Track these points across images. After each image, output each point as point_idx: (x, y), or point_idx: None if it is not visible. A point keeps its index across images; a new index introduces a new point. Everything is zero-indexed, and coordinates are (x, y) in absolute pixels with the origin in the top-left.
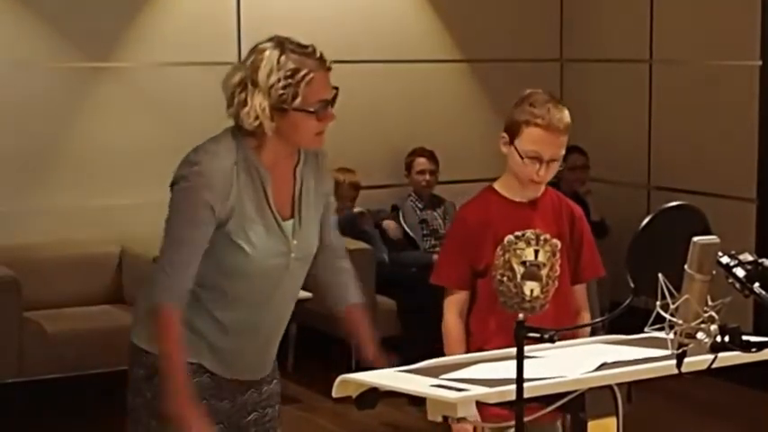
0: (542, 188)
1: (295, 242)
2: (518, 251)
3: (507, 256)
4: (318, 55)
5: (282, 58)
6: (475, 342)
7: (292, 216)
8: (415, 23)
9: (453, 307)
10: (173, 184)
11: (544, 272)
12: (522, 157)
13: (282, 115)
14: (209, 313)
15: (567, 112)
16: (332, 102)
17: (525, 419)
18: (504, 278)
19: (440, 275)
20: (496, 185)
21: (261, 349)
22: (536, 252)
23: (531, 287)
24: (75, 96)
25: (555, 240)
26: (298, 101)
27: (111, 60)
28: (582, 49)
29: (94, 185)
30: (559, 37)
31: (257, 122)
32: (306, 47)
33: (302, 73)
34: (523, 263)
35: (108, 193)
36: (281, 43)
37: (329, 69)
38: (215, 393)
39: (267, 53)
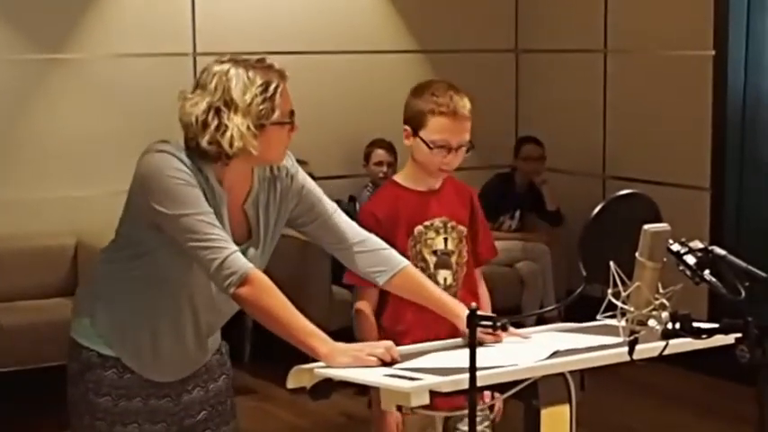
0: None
1: None
2: (428, 241)
3: (419, 246)
4: (277, 66)
5: (250, 74)
6: (387, 338)
7: (242, 242)
8: (370, 14)
9: (367, 305)
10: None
11: (454, 259)
12: (430, 147)
13: (260, 132)
14: (137, 311)
15: (467, 99)
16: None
17: (478, 408)
18: (418, 269)
19: (353, 275)
20: (397, 178)
21: (188, 353)
22: (445, 240)
23: (444, 275)
24: (28, 89)
25: (461, 227)
26: (276, 114)
27: (65, 52)
28: (537, 39)
29: (50, 178)
30: (514, 27)
31: (241, 144)
32: (262, 60)
33: (273, 86)
34: (434, 252)
35: (63, 186)
36: (237, 61)
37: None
38: (154, 392)
39: (232, 72)
